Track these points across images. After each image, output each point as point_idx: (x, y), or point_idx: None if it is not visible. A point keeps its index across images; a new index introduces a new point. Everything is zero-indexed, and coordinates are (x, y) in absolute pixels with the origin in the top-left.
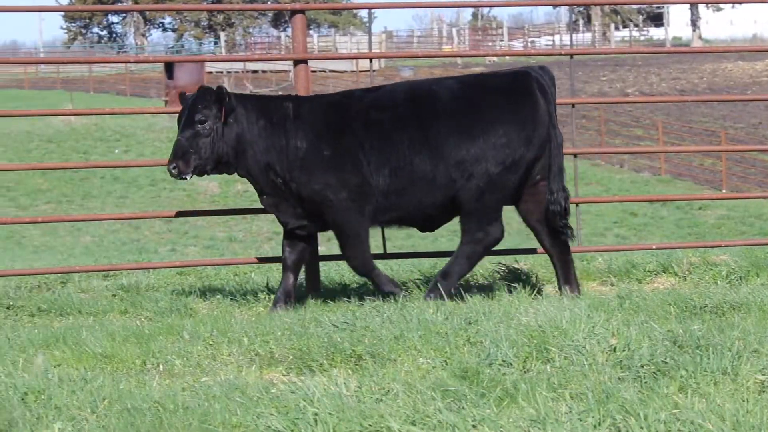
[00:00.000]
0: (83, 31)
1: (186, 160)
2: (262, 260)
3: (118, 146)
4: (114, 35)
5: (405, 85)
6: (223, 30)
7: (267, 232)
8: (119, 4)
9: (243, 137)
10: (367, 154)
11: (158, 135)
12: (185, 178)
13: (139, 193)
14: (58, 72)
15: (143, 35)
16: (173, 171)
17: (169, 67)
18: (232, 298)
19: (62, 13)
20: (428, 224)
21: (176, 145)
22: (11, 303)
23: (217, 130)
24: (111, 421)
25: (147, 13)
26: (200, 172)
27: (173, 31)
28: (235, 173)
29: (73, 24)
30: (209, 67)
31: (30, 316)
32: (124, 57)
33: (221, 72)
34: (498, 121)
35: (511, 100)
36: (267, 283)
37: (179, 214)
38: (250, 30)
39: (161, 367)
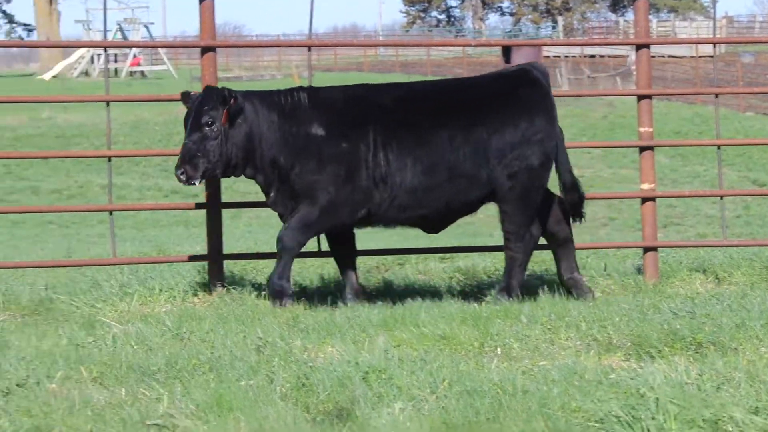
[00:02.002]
0: (422, 15)
1: (194, 164)
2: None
3: None
4: (452, 19)
5: (428, 83)
6: (561, 15)
7: (602, 218)
8: None
9: (252, 134)
10: (386, 149)
11: None
12: (194, 184)
13: None
14: (397, 55)
15: (481, 19)
16: (181, 177)
17: (507, 51)
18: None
19: None
20: (443, 225)
21: (184, 150)
22: None
23: (225, 131)
24: (450, 402)
25: None
26: (210, 176)
27: (511, 15)
28: (242, 175)
29: (412, 8)
30: (546, 51)
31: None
32: (462, 40)
33: (558, 56)
34: (529, 115)
35: (532, 94)
36: (604, 267)
37: None
38: (588, 14)
39: (499, 349)
